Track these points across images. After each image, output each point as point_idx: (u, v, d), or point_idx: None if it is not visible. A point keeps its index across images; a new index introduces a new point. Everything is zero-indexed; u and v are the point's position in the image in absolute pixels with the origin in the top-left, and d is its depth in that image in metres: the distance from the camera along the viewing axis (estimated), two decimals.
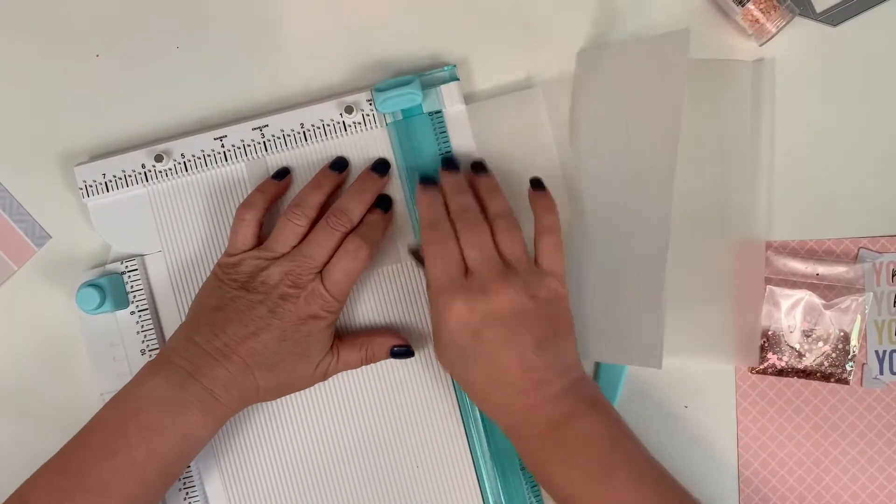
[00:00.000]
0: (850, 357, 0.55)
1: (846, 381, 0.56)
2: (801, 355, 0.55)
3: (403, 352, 0.54)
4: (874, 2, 0.56)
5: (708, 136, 0.55)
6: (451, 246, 0.49)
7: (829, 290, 0.55)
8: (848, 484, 0.56)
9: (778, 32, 0.54)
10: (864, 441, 0.56)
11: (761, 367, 0.56)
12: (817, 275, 0.55)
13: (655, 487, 0.46)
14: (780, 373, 0.56)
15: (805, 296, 0.55)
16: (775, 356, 0.56)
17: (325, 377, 0.53)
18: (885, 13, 0.56)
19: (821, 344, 0.55)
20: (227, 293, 0.50)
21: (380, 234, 0.53)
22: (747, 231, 0.55)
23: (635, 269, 0.53)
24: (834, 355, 0.55)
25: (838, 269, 0.55)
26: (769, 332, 0.56)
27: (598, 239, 0.55)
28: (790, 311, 0.56)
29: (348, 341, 0.53)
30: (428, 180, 0.53)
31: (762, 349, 0.56)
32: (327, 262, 0.51)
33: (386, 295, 0.56)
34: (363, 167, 0.55)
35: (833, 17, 0.56)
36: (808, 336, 0.55)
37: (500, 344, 0.47)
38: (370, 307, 0.56)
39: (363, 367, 0.55)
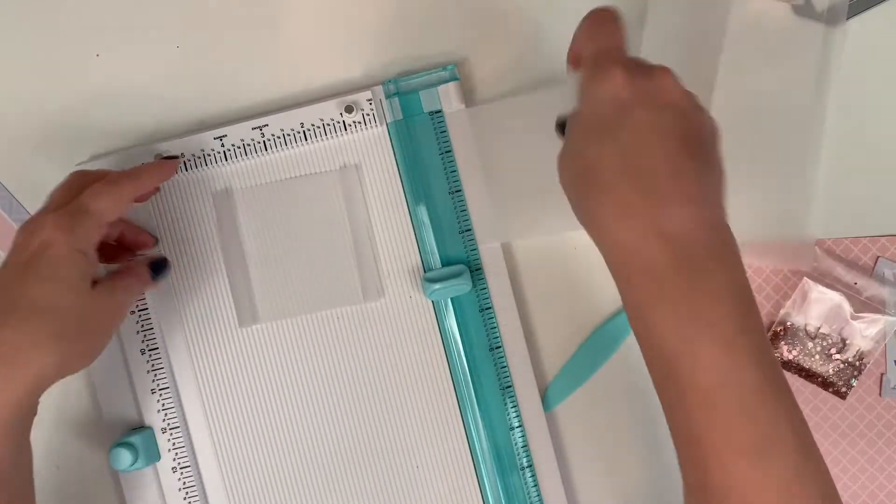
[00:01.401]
0: (857, 374, 0.55)
1: (843, 396, 0.55)
2: (810, 356, 0.55)
3: (163, 267, 0.54)
4: (874, 2, 0.56)
5: (768, 94, 0.54)
6: (618, 30, 0.43)
7: (862, 304, 0.55)
8: (848, 484, 0.56)
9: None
10: (864, 441, 0.56)
11: None
12: (855, 284, 0.55)
13: (775, 368, 0.39)
14: (785, 365, 0.56)
15: (837, 300, 0.55)
16: (786, 346, 0.56)
17: (109, 300, 0.48)
18: (885, 13, 0.56)
19: (833, 351, 0.55)
20: None
21: (147, 174, 0.51)
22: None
23: None
24: (843, 367, 0.55)
25: (877, 289, 0.55)
26: (787, 323, 0.56)
27: None
28: (817, 310, 0.55)
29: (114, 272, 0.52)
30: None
31: (775, 336, 0.56)
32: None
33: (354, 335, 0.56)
34: (365, 166, 0.56)
35: (833, 17, 0.56)
36: (824, 340, 0.55)
37: (652, 130, 0.39)
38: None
39: (346, 366, 0.54)
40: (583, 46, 0.43)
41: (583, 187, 0.40)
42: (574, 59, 0.45)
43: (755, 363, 0.38)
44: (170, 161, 0.54)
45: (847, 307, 0.55)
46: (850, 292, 0.55)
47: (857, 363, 0.55)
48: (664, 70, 0.40)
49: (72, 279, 0.46)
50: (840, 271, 0.55)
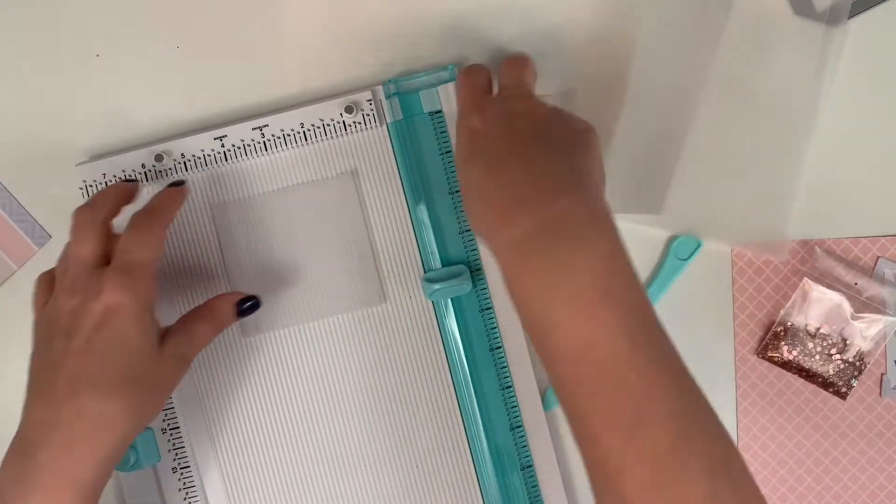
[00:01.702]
0: (858, 374, 0.55)
1: (843, 396, 0.55)
2: (811, 356, 0.55)
3: (251, 305, 0.52)
4: (875, 2, 0.56)
5: (766, 90, 0.55)
6: (479, 72, 0.52)
7: (862, 304, 0.55)
8: (848, 484, 0.56)
9: None
10: (864, 441, 0.56)
11: (768, 354, 0.56)
12: (856, 284, 0.55)
13: (651, 337, 0.41)
14: (785, 365, 0.56)
15: (838, 300, 0.55)
16: (787, 347, 0.56)
17: (180, 363, 0.49)
18: (885, 13, 0.56)
19: (834, 351, 0.55)
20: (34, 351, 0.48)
21: (168, 205, 0.50)
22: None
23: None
24: (843, 367, 0.55)
25: (877, 289, 0.55)
26: (788, 323, 0.56)
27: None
28: (817, 310, 0.55)
29: (185, 317, 0.50)
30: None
31: (776, 336, 0.56)
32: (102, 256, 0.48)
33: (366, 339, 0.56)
34: (365, 167, 0.56)
35: (833, 17, 0.56)
36: (824, 340, 0.55)
37: (505, 141, 0.46)
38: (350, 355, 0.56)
39: (346, 368, 0.54)
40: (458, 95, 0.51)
41: (472, 205, 0.46)
42: None
43: (622, 333, 0.39)
44: (179, 188, 0.52)
45: (847, 307, 0.55)
46: (851, 292, 0.55)
47: (858, 363, 0.55)
48: (513, 97, 0.48)
49: (145, 347, 0.46)
50: (840, 271, 0.55)
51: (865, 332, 0.55)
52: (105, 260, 0.48)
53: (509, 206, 0.43)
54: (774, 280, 0.56)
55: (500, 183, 0.44)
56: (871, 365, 0.55)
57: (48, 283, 0.50)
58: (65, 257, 0.49)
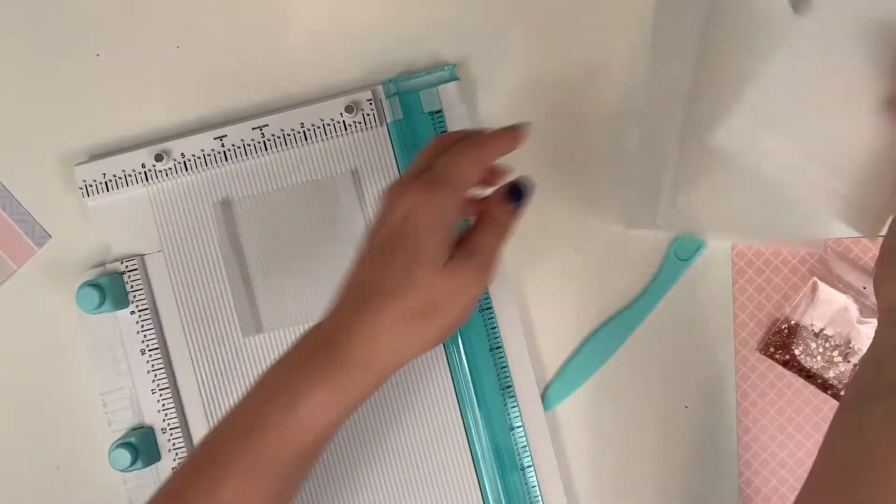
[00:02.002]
0: None
1: (841, 400, 0.56)
2: (812, 356, 0.55)
3: (522, 192, 0.48)
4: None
5: None
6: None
7: (869, 309, 0.55)
8: None
9: None
10: None
11: (770, 350, 0.56)
12: (864, 289, 0.55)
13: None
14: (786, 363, 0.56)
15: (846, 304, 0.55)
16: (790, 346, 0.55)
17: (469, 275, 0.44)
18: None
19: (836, 354, 0.55)
20: None
21: (497, 143, 0.47)
22: None
23: None
24: (843, 370, 0.55)
25: None
26: (792, 322, 0.56)
27: None
28: (823, 312, 0.55)
29: (468, 234, 0.46)
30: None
31: (779, 334, 0.56)
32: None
33: None
34: (364, 166, 0.56)
35: None
36: (827, 342, 0.55)
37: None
38: None
39: None
40: None
41: None
42: None
43: None
44: (516, 131, 0.48)
45: (854, 311, 0.55)
46: (858, 296, 0.55)
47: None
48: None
49: (428, 258, 0.43)
50: (849, 274, 0.55)
51: (869, 337, 0.55)
52: None
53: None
54: (775, 280, 0.56)
55: None
56: None
57: None
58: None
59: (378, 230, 0.45)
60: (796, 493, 0.56)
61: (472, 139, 0.46)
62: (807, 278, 0.56)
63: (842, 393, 0.55)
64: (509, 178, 0.48)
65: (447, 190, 0.44)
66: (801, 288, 0.56)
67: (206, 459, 0.44)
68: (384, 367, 0.43)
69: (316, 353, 0.44)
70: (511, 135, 0.47)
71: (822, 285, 0.55)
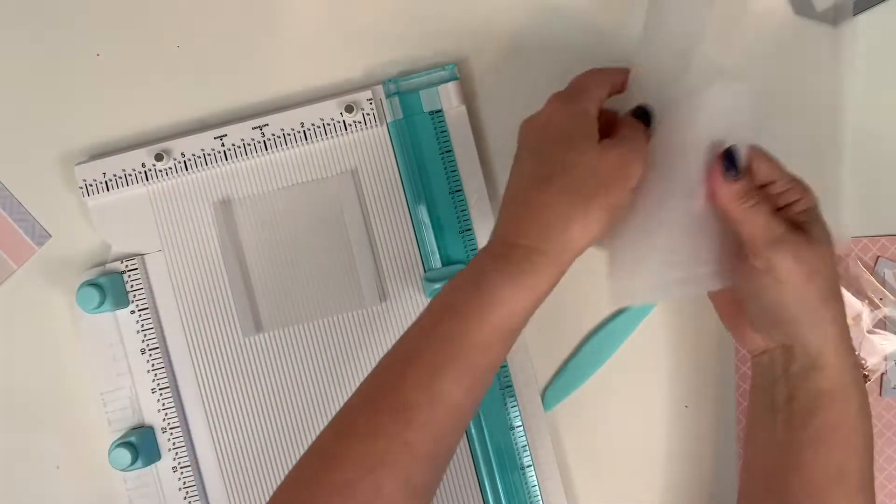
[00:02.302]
0: None
1: None
2: None
3: (647, 113, 0.49)
4: (874, 1, 0.56)
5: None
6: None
7: (881, 320, 0.55)
8: None
9: None
10: None
11: None
12: (880, 300, 0.55)
13: None
14: None
15: (859, 310, 0.55)
16: None
17: (622, 145, 0.46)
18: (885, 13, 0.56)
19: None
20: None
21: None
22: None
23: None
24: None
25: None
26: None
27: None
28: None
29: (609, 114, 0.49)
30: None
31: None
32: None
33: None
34: (365, 166, 0.56)
35: (834, 17, 0.56)
36: None
37: None
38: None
39: (345, 367, 0.54)
40: None
41: None
42: None
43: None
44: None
45: (867, 319, 0.55)
46: (872, 306, 0.55)
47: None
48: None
49: (577, 142, 0.45)
50: (866, 282, 0.55)
51: (877, 348, 0.55)
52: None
53: None
54: None
55: None
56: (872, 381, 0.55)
57: None
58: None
59: (524, 140, 0.47)
60: None
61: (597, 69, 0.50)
62: None
63: None
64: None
65: (582, 97, 0.47)
66: None
67: (406, 354, 0.43)
68: (560, 252, 0.44)
69: (495, 254, 0.45)
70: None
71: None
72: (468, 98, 0.56)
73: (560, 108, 0.47)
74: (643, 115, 0.49)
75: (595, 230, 0.44)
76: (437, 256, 0.55)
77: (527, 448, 0.55)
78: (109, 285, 0.54)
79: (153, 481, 0.55)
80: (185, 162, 0.56)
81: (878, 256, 0.56)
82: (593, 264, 0.57)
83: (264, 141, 0.56)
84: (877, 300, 0.55)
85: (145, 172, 0.56)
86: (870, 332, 0.55)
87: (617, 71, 0.50)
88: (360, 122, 0.55)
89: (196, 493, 0.55)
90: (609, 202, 0.44)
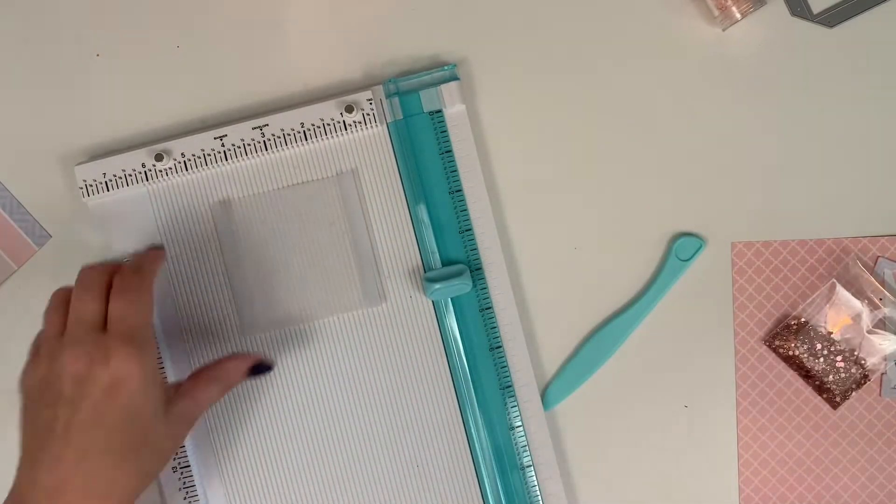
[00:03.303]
0: (856, 387, 0.55)
1: (835, 406, 0.55)
2: (816, 357, 0.55)
3: (265, 368, 0.52)
4: (871, 4, 0.56)
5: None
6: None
7: (880, 320, 0.55)
8: (848, 484, 0.56)
9: (742, 19, 0.55)
10: (864, 441, 0.56)
11: (775, 343, 0.56)
12: (880, 300, 0.55)
13: None
14: (788, 359, 0.55)
15: (858, 310, 0.55)
16: (795, 342, 0.55)
17: (186, 424, 0.49)
18: (882, 15, 0.56)
19: (840, 359, 0.55)
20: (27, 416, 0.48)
21: (150, 265, 0.51)
22: None
23: None
24: (844, 376, 0.55)
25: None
26: (802, 319, 0.56)
27: None
28: (835, 315, 0.55)
29: (194, 379, 0.51)
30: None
31: (787, 329, 0.56)
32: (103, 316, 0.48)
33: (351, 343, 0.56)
34: (365, 166, 0.56)
35: (830, 19, 0.56)
36: (833, 345, 0.55)
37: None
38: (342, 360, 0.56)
39: (345, 367, 0.54)
40: None
41: None
42: None
43: None
44: (159, 250, 0.55)
45: (866, 319, 0.55)
46: (872, 307, 0.55)
47: (860, 377, 0.55)
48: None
49: (152, 414, 0.47)
50: (866, 282, 0.55)
51: (877, 348, 0.55)
52: (105, 324, 0.48)
53: None
54: (774, 280, 0.56)
55: None
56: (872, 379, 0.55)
57: (62, 303, 0.50)
58: (66, 313, 0.49)
59: (82, 384, 0.45)
60: (796, 493, 0.56)
61: (128, 272, 0.49)
62: (823, 279, 0.56)
63: (837, 399, 0.55)
64: None
65: (147, 343, 0.47)
66: (801, 288, 0.56)
67: None
68: None
69: None
70: (155, 254, 0.52)
71: (839, 288, 0.55)
72: (468, 98, 0.56)
73: (134, 372, 0.45)
74: (257, 370, 0.52)
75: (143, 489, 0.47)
76: (437, 256, 0.56)
77: (527, 448, 0.55)
78: None
79: (153, 481, 0.55)
80: (185, 162, 0.56)
81: (878, 256, 0.56)
82: (594, 264, 0.57)
83: (264, 141, 0.56)
84: (877, 300, 0.55)
85: (145, 172, 0.56)
86: (870, 332, 0.55)
87: (146, 270, 0.50)
88: (359, 123, 0.55)
89: (196, 492, 0.55)
90: (163, 464, 0.48)
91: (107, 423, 0.45)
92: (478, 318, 0.56)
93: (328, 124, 0.55)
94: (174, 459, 0.55)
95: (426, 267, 0.56)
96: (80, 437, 0.45)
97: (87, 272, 0.49)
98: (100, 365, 0.45)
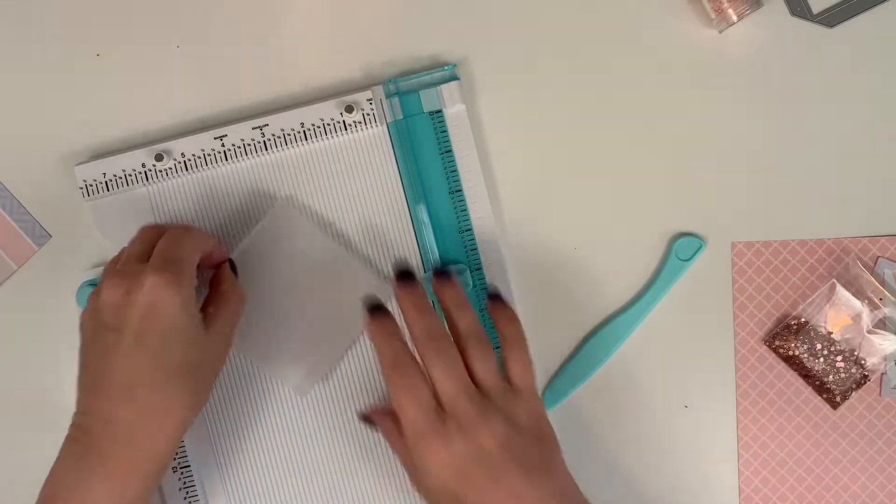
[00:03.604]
0: (856, 387, 0.55)
1: (835, 406, 0.55)
2: (816, 357, 0.55)
3: (233, 265, 0.53)
4: (871, 4, 0.56)
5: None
6: (420, 384, 0.47)
7: (880, 320, 0.55)
8: (848, 484, 0.56)
9: (739, 21, 0.55)
10: (864, 441, 0.56)
11: (775, 343, 0.56)
12: (880, 300, 0.55)
13: None
14: (788, 359, 0.55)
15: (858, 310, 0.55)
16: (795, 342, 0.55)
17: (225, 341, 0.51)
18: (882, 15, 0.56)
19: (840, 359, 0.55)
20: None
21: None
22: None
23: None
24: (844, 376, 0.55)
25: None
26: (802, 319, 0.56)
27: None
28: (836, 315, 0.55)
29: (215, 300, 0.51)
30: (376, 308, 0.49)
31: (788, 329, 0.56)
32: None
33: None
34: (364, 166, 0.56)
35: (830, 19, 0.56)
36: (833, 345, 0.55)
37: (491, 482, 0.45)
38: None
39: (345, 366, 0.54)
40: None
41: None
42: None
43: None
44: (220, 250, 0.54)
45: (866, 319, 0.55)
46: (872, 307, 0.55)
47: (860, 377, 0.55)
48: (479, 422, 0.46)
49: (192, 335, 0.47)
50: (866, 282, 0.55)
51: (877, 348, 0.55)
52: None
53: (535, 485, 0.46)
54: (774, 280, 0.56)
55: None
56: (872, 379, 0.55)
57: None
58: (118, 256, 0.51)
59: (119, 324, 0.46)
60: (796, 493, 0.56)
61: (174, 225, 0.52)
62: (823, 279, 0.56)
63: (837, 399, 0.55)
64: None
65: (184, 271, 0.48)
66: (801, 288, 0.56)
67: None
68: (175, 437, 0.47)
69: (82, 449, 0.46)
70: (206, 238, 0.52)
71: (839, 288, 0.55)
72: (468, 98, 0.56)
73: (168, 296, 0.46)
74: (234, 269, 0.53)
75: (186, 421, 0.48)
76: (437, 256, 0.56)
77: None
78: None
79: (207, 400, 0.55)
80: (185, 162, 0.56)
81: (878, 256, 0.56)
82: (594, 264, 0.57)
83: (264, 141, 0.56)
84: (877, 300, 0.55)
85: (145, 172, 0.56)
86: (870, 332, 0.55)
87: (207, 237, 0.52)
88: (360, 123, 0.55)
89: (196, 492, 0.55)
90: (202, 384, 0.49)
91: (148, 349, 0.46)
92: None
93: (328, 124, 0.55)
94: (174, 459, 0.55)
95: (426, 267, 0.56)
96: (125, 363, 0.46)
97: (145, 228, 0.51)
98: (135, 292, 0.46)
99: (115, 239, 0.56)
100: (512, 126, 0.57)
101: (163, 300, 0.46)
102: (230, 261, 0.53)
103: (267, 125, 0.55)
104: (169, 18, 0.58)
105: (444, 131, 0.56)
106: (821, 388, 0.55)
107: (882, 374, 0.55)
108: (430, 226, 0.55)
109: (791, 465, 0.56)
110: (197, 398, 0.48)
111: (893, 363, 0.55)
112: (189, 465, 0.55)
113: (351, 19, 0.58)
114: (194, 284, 0.48)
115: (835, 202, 0.56)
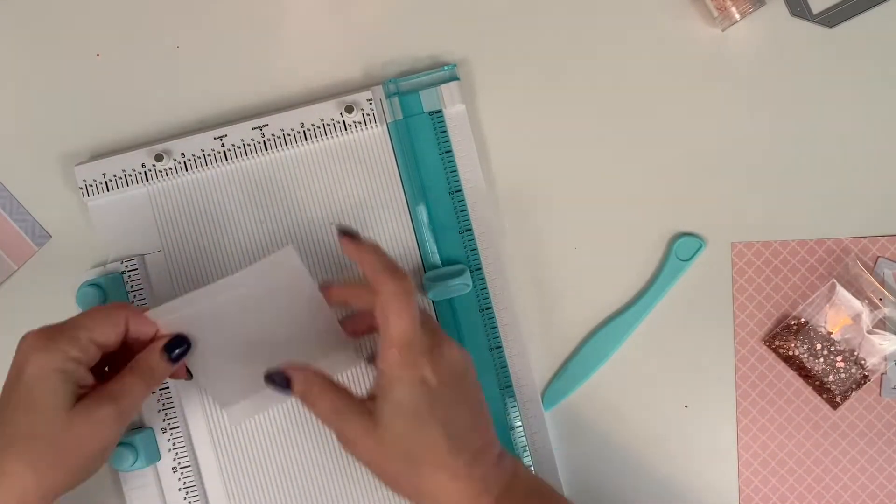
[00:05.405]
0: (856, 387, 0.55)
1: (835, 406, 0.55)
2: (816, 357, 0.55)
3: (183, 343, 0.49)
4: (871, 4, 0.56)
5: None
6: (414, 290, 0.46)
7: (880, 320, 0.55)
8: (848, 484, 0.56)
9: (742, 19, 0.55)
10: (864, 441, 0.56)
11: (775, 343, 0.56)
12: (880, 300, 0.55)
13: None
14: (788, 359, 0.55)
15: (858, 310, 0.55)
16: (795, 342, 0.55)
17: (101, 424, 0.46)
18: (882, 15, 0.56)
19: (840, 359, 0.55)
20: None
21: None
22: None
23: None
24: (844, 376, 0.55)
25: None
26: (801, 319, 0.56)
27: None
28: (836, 315, 0.55)
29: (114, 378, 0.48)
30: (349, 231, 0.48)
31: (787, 329, 0.56)
32: None
33: None
34: (364, 166, 0.56)
35: (830, 19, 0.56)
36: (833, 345, 0.55)
37: (459, 404, 0.47)
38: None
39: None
40: (381, 323, 0.46)
41: (411, 466, 0.46)
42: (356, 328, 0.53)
43: None
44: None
45: (866, 320, 0.55)
46: (872, 307, 0.55)
47: (860, 377, 0.55)
48: (449, 342, 0.47)
49: (46, 405, 0.45)
50: (866, 282, 0.55)
51: (877, 348, 0.55)
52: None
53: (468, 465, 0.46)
54: (774, 280, 0.56)
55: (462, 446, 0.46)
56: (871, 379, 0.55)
57: None
58: None
59: (7, 377, 0.46)
60: (796, 493, 0.56)
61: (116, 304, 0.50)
62: (823, 279, 0.56)
63: (837, 399, 0.55)
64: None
65: (66, 336, 0.46)
66: (801, 288, 0.56)
67: None
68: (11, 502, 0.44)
69: None
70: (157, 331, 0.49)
71: (839, 288, 0.55)
72: (468, 98, 0.56)
73: (35, 359, 0.44)
74: (174, 348, 0.49)
75: (48, 492, 0.45)
76: (437, 256, 0.56)
77: (527, 448, 0.55)
78: (109, 286, 0.54)
79: (153, 481, 0.55)
80: (185, 162, 0.56)
81: (878, 256, 0.56)
82: (594, 264, 0.57)
83: (264, 141, 0.56)
84: (877, 300, 0.55)
85: (145, 172, 0.56)
86: (870, 332, 0.55)
87: (119, 316, 0.48)
88: (359, 123, 0.55)
89: (196, 493, 0.55)
90: (71, 468, 0.45)
91: (7, 409, 0.45)
92: (478, 318, 0.56)
93: (328, 124, 0.55)
94: (174, 460, 0.55)
95: (426, 267, 0.56)
96: None
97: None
98: (18, 350, 0.46)
99: (114, 239, 0.56)
100: (512, 126, 0.57)
101: (29, 363, 0.45)
102: (174, 340, 0.49)
103: (267, 125, 0.55)
104: (169, 18, 0.58)
105: (444, 131, 0.56)
106: (821, 388, 0.56)
107: (882, 374, 0.55)
108: (430, 226, 0.55)
109: (791, 465, 0.56)
110: (40, 478, 0.44)
111: (893, 363, 0.55)
112: (189, 466, 0.55)
113: (351, 19, 0.58)
114: (76, 356, 0.45)
115: (835, 202, 0.56)
